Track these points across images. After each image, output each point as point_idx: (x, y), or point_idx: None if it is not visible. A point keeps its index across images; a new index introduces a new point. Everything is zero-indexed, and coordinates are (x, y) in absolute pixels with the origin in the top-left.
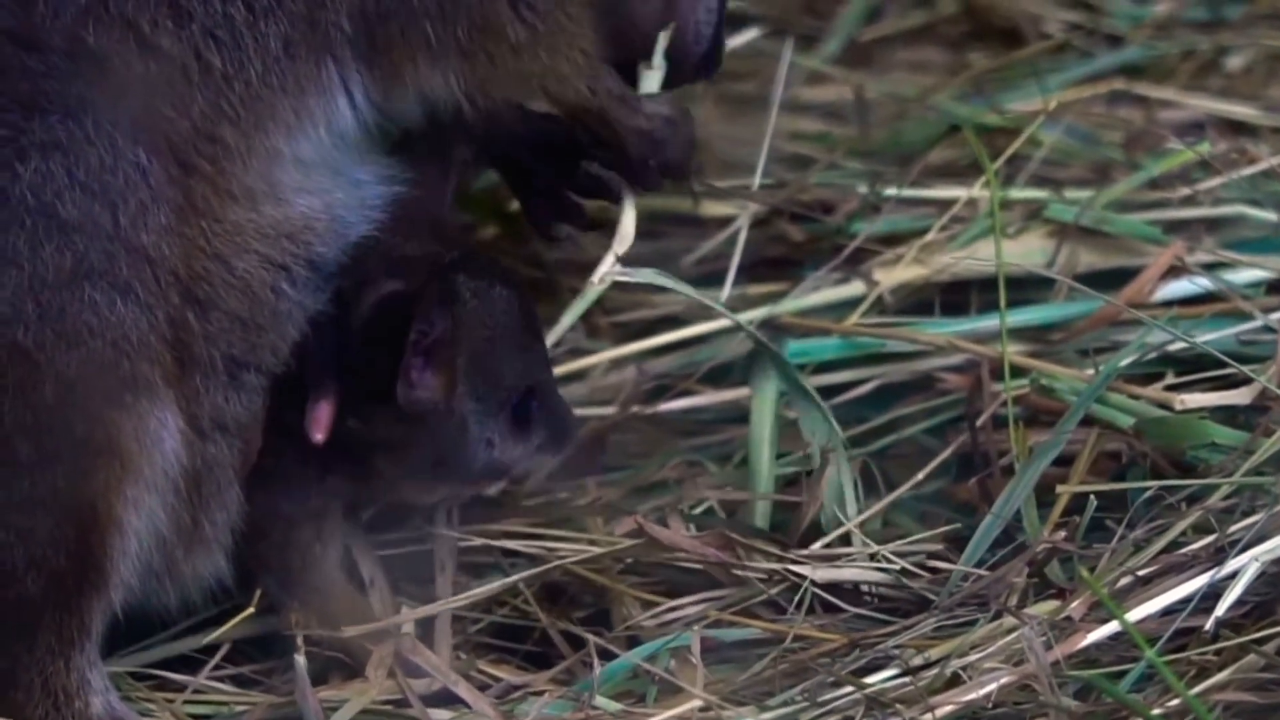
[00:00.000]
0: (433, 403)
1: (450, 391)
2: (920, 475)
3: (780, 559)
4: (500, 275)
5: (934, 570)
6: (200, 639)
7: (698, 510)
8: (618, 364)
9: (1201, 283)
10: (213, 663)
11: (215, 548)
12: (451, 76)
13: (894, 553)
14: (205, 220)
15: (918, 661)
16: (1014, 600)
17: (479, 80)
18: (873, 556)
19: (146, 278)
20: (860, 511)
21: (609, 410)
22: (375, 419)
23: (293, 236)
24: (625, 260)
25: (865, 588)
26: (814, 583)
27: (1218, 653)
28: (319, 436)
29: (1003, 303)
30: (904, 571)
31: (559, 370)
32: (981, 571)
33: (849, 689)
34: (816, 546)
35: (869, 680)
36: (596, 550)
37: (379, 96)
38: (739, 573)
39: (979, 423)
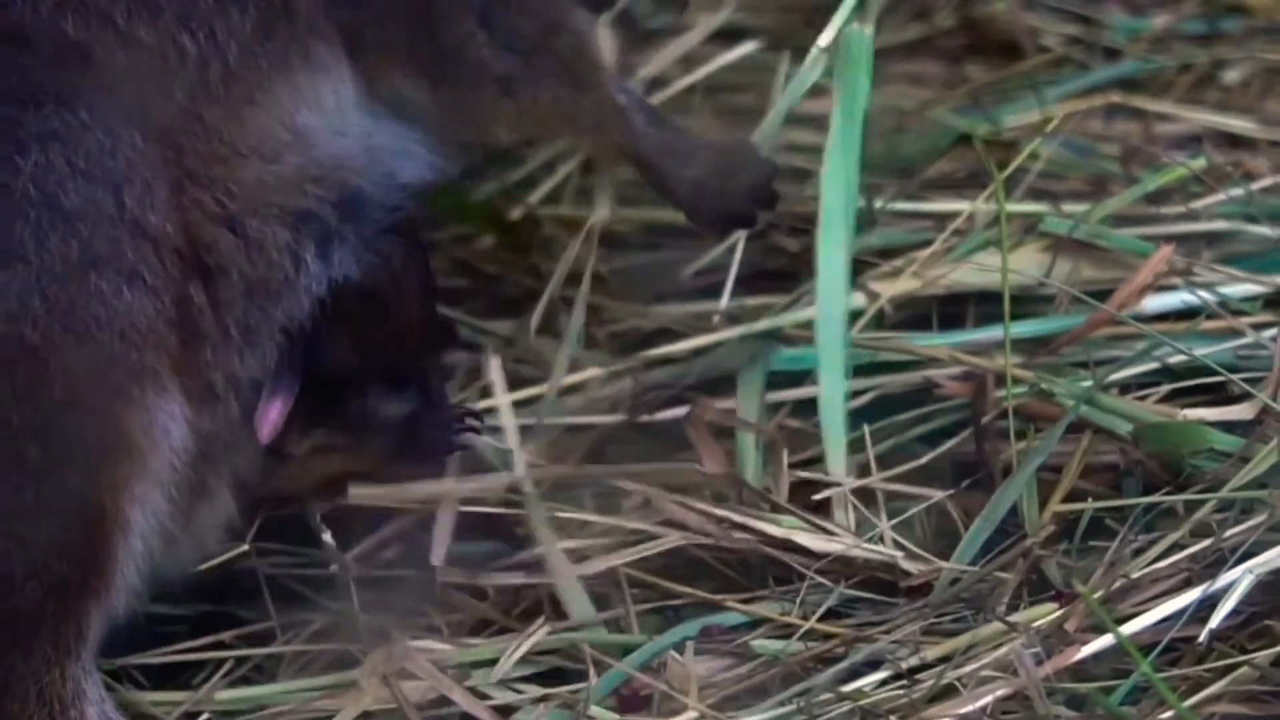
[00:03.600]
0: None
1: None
2: (914, 464)
3: (780, 541)
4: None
5: (932, 562)
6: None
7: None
8: (615, 376)
9: (1201, 296)
10: (218, 677)
11: (221, 493)
12: (424, 95)
13: (894, 537)
14: (216, 187)
15: (912, 662)
16: (1009, 602)
17: (468, 116)
18: (871, 539)
19: (152, 261)
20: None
21: (606, 419)
22: None
23: (320, 179)
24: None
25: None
26: (811, 576)
27: (1211, 666)
28: (265, 436)
29: (1006, 313)
30: (905, 554)
31: (560, 382)
32: (973, 568)
33: (843, 697)
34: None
35: (862, 681)
36: (598, 567)
37: (365, 93)
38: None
39: (984, 421)
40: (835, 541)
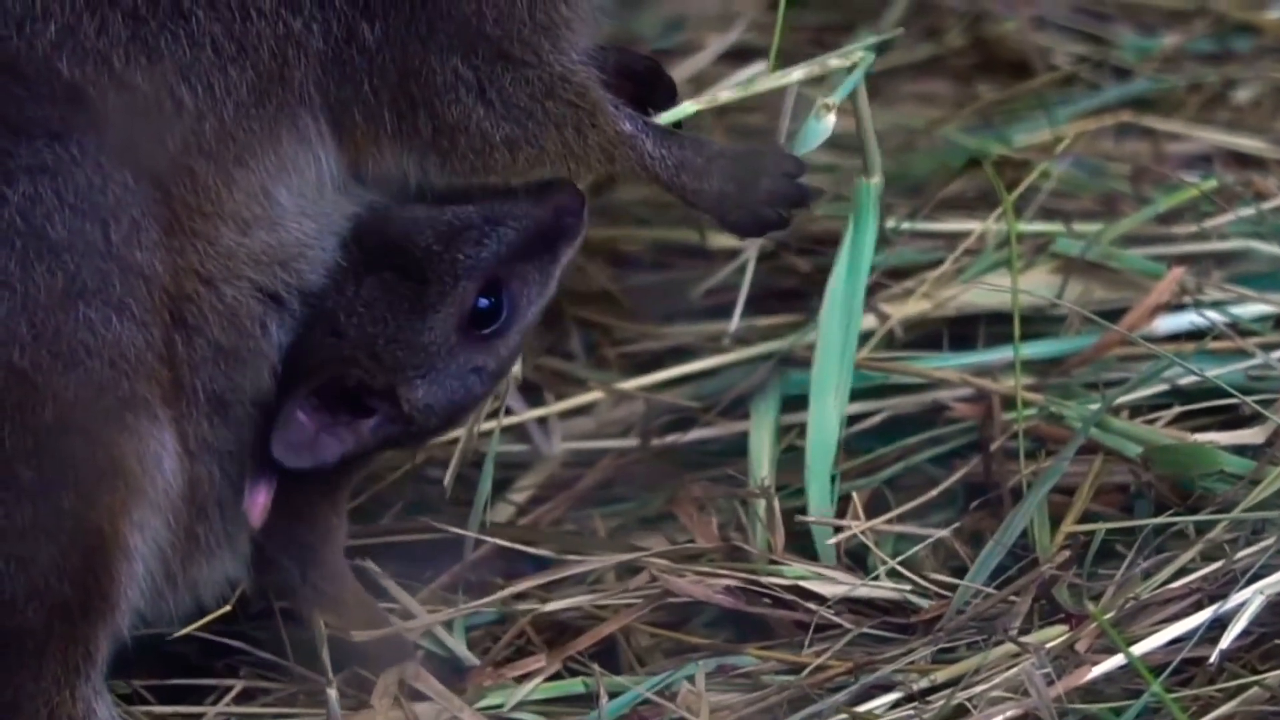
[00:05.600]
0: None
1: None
2: (928, 497)
3: (791, 583)
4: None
5: (940, 596)
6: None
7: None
8: (626, 396)
9: (1211, 316)
10: (230, 697)
11: (220, 552)
12: (431, 169)
13: (901, 571)
14: (198, 241)
15: (923, 685)
16: (1020, 625)
17: (478, 176)
18: (876, 577)
19: (141, 295)
20: (869, 534)
21: (618, 443)
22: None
23: (286, 264)
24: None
25: (877, 602)
26: (821, 607)
27: (1222, 686)
28: (255, 520)
29: (1016, 334)
30: (913, 589)
31: (569, 403)
32: (989, 589)
33: (855, 718)
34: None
35: (873, 704)
36: (607, 601)
37: (348, 169)
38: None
39: (992, 448)
40: (843, 584)
